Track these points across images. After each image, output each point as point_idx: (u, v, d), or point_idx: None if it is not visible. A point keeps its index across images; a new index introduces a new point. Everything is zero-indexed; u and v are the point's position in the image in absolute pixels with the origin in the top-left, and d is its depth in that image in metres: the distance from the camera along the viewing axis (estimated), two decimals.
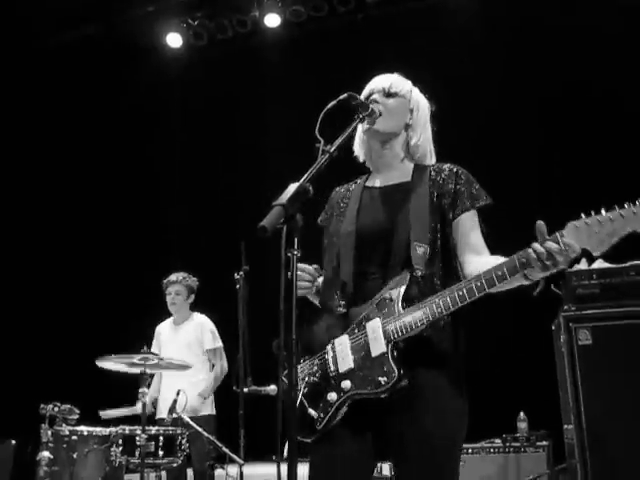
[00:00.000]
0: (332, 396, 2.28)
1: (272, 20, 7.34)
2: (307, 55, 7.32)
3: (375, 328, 2.25)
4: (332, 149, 2.17)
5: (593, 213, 2.03)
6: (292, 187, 1.97)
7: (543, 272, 2.07)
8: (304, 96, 6.98)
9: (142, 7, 7.55)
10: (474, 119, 6.34)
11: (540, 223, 2.06)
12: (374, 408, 2.26)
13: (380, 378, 2.19)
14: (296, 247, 1.90)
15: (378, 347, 2.23)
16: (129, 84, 7.70)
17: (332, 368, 2.30)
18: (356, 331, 2.30)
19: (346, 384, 2.26)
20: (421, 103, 2.60)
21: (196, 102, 7.75)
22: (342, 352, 2.30)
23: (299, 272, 2.28)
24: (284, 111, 7.19)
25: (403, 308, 2.23)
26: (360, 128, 2.56)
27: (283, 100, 7.23)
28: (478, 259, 2.33)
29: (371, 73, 2.72)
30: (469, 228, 2.39)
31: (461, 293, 2.13)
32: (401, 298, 2.24)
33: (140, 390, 4.47)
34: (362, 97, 2.48)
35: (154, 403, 5.55)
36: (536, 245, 2.04)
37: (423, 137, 2.57)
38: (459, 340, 2.35)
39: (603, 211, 2.03)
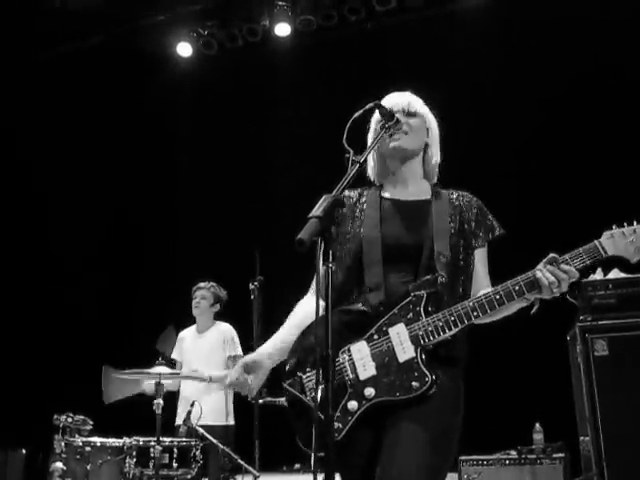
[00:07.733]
0: (352, 405, 2.20)
1: (282, 29, 7.31)
2: (317, 64, 7.31)
3: (400, 333, 2.22)
4: (362, 159, 2.17)
5: (626, 224, 2.19)
6: (326, 198, 1.95)
7: (547, 296, 2.20)
8: (315, 105, 7.00)
9: (152, 17, 7.54)
10: (486, 128, 6.32)
11: (553, 255, 2.19)
12: (385, 410, 2.21)
13: (413, 383, 2.15)
14: (331, 259, 1.88)
15: (406, 352, 2.19)
16: (139, 93, 7.69)
17: (351, 376, 2.23)
18: (376, 337, 2.25)
19: (369, 391, 2.19)
20: (433, 121, 2.61)
21: (207, 111, 7.74)
22: (361, 359, 2.23)
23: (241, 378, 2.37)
24: (295, 120, 7.18)
25: (427, 313, 2.22)
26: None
27: (294, 109, 7.23)
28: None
29: (382, 82, 2.70)
30: (482, 263, 2.46)
31: (493, 298, 2.21)
32: (424, 303, 2.23)
33: (155, 401, 4.45)
34: None
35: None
36: (546, 273, 2.16)
37: (439, 155, 2.60)
38: (465, 345, 2.37)
39: (635, 222, 2.20)
